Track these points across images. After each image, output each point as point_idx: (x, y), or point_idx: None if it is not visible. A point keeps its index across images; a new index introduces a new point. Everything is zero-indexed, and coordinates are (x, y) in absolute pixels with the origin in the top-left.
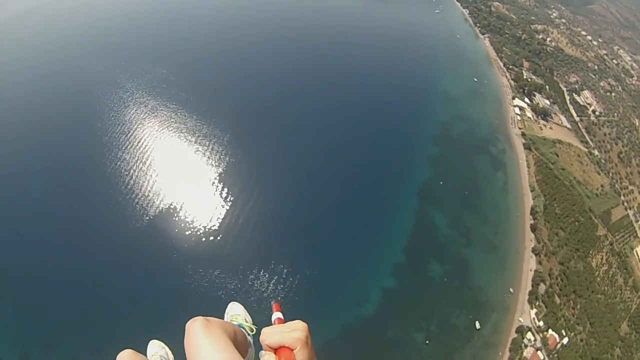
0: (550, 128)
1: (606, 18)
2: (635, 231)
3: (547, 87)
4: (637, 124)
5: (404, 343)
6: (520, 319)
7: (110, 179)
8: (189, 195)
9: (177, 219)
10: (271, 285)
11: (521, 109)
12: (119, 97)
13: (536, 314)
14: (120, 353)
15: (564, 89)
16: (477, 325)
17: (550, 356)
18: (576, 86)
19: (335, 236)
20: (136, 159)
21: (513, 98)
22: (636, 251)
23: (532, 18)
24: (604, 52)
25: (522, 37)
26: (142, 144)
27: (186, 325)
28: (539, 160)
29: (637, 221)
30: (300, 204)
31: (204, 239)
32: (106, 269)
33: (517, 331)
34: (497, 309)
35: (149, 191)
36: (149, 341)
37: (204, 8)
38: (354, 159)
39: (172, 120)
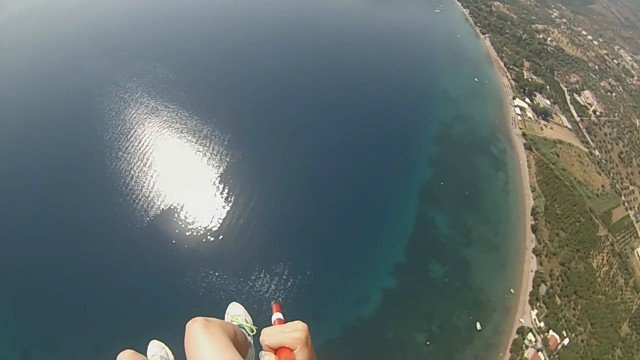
0: (551, 128)
1: (607, 18)
2: (636, 231)
3: (547, 87)
4: (637, 124)
5: (404, 343)
6: (521, 319)
7: (110, 179)
8: (189, 196)
9: (177, 219)
10: (271, 285)
11: (522, 109)
12: (119, 97)
13: (537, 314)
14: (121, 353)
15: (565, 88)
16: (478, 326)
17: (551, 357)
18: (577, 86)
19: (336, 236)
20: (136, 159)
21: (514, 98)
22: (637, 252)
23: (533, 18)
24: (605, 52)
25: (523, 37)
26: (143, 144)
27: (186, 326)
28: (540, 161)
29: (637, 221)
30: (301, 204)
31: (204, 240)
32: (106, 269)
33: (518, 332)
34: (497, 310)
35: (150, 191)
36: (149, 341)
37: (204, 8)
38: (354, 159)
39: (172, 120)
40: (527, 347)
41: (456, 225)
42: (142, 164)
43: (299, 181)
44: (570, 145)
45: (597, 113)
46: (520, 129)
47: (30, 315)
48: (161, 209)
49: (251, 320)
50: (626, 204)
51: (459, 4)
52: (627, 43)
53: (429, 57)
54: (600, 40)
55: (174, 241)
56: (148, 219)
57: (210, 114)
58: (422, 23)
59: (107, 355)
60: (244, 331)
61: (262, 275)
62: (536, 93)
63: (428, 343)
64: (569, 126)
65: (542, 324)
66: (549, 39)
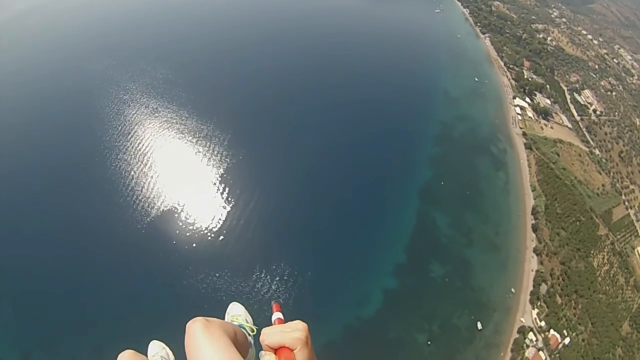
0: (551, 127)
1: (607, 17)
2: (637, 230)
3: (547, 86)
4: (637, 123)
5: (405, 344)
6: (522, 319)
7: (110, 179)
8: (189, 196)
9: (178, 219)
10: (272, 285)
11: (522, 108)
12: (119, 97)
13: (538, 314)
14: (121, 353)
15: (565, 88)
16: (479, 325)
17: (552, 356)
18: (577, 85)
19: (336, 236)
20: (137, 159)
21: (514, 97)
22: (637, 250)
23: (533, 17)
24: (605, 51)
25: (523, 37)
26: (143, 144)
27: (186, 326)
28: (540, 160)
29: (638, 220)
30: (301, 204)
31: (205, 240)
32: (106, 269)
33: (518, 331)
34: (498, 310)
35: (150, 192)
36: (149, 341)
37: (204, 8)
38: (355, 159)
39: (172, 120)
40: (528, 346)
41: (457, 225)
42: (142, 164)
43: (299, 181)
44: (570, 145)
45: (597, 112)
46: (521, 128)
47: (30, 315)
48: (161, 209)
49: (251, 320)
50: (626, 203)
51: (459, 3)
52: (627, 42)
53: (429, 56)
54: (600, 39)
55: (174, 241)
56: (148, 219)
57: (210, 114)
58: (422, 23)
59: (108, 355)
60: (244, 331)
61: (262, 276)
62: (536, 92)
63: (429, 343)
64: (569, 125)
65: (542, 323)
66: (549, 38)
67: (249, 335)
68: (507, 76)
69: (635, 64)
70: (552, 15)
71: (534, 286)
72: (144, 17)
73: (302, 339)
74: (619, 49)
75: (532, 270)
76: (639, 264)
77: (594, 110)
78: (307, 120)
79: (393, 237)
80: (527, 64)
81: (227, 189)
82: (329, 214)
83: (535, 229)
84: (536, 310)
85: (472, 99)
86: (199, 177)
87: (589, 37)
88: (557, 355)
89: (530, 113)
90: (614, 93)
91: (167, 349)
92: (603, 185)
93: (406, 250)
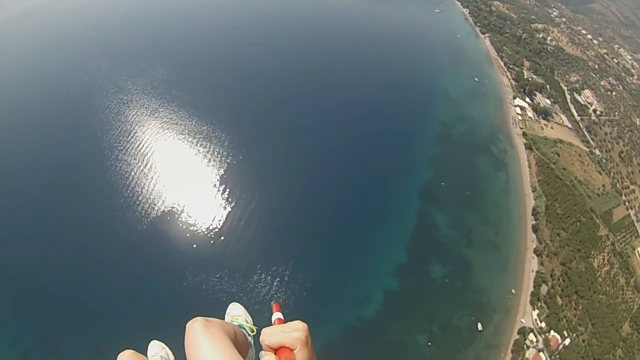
0: (552, 128)
1: (606, 17)
2: (637, 231)
3: (547, 86)
4: (638, 123)
5: (405, 345)
6: (522, 320)
7: (110, 179)
8: (190, 197)
9: (178, 220)
10: (272, 286)
11: (522, 108)
12: (119, 97)
13: (538, 315)
14: (121, 353)
15: (565, 88)
16: (479, 326)
17: (552, 357)
18: (577, 85)
19: (336, 236)
20: (137, 159)
21: (514, 98)
22: (638, 251)
23: (533, 17)
24: (605, 51)
25: (523, 37)
26: (143, 144)
27: (186, 326)
28: (540, 160)
29: (638, 221)
30: (302, 204)
31: (205, 240)
32: (106, 269)
33: (519, 332)
34: (499, 310)
35: (150, 192)
36: (149, 341)
37: (203, 8)
38: (355, 159)
39: (172, 121)
40: (528, 347)
41: (457, 225)
42: (142, 165)
43: (299, 182)
44: (570, 145)
45: (598, 112)
46: (521, 128)
47: (30, 315)
48: (162, 209)
49: (251, 321)
50: (627, 203)
51: (459, 3)
52: (626, 42)
53: (429, 56)
54: (600, 39)
55: (174, 242)
56: (148, 219)
57: (211, 114)
58: (422, 23)
59: (108, 355)
60: (244, 331)
61: (262, 276)
62: (536, 92)
63: (429, 344)
64: (570, 125)
65: (543, 324)
66: (548, 38)
67: (249, 335)
68: (507, 76)
69: (635, 63)
70: (552, 15)
71: (534, 287)
72: (144, 17)
73: (302, 339)
74: (618, 48)
75: (533, 271)
76: None
77: (594, 110)
78: (307, 121)
79: (393, 237)
80: (527, 63)
81: (227, 189)
82: (329, 215)
83: (535, 229)
84: (536, 311)
85: (472, 99)
86: (199, 177)
87: (589, 36)
88: (558, 356)
89: (530, 113)
90: (614, 93)
91: (167, 349)
92: (603, 186)
93: (406, 250)
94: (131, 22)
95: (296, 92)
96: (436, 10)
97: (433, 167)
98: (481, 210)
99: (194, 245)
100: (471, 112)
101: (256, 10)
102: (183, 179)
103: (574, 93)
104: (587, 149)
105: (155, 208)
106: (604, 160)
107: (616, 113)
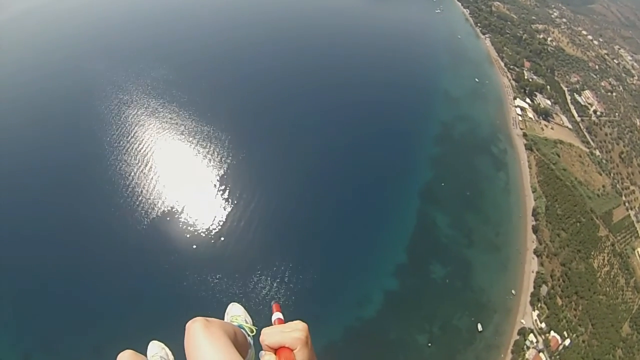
0: (552, 128)
1: (607, 17)
2: (637, 231)
3: (548, 87)
4: (638, 123)
5: (405, 345)
6: (522, 320)
7: (111, 179)
8: (190, 197)
9: (178, 220)
10: (272, 286)
11: (522, 109)
12: (119, 97)
13: (538, 315)
14: (121, 353)
15: (565, 89)
16: (479, 327)
17: (552, 358)
18: (577, 86)
19: (336, 237)
20: (137, 160)
21: (514, 98)
22: (638, 252)
23: (533, 18)
24: (605, 51)
25: (523, 37)
26: (143, 145)
27: (186, 326)
28: (541, 161)
29: (638, 221)
30: (302, 204)
31: (205, 241)
32: (106, 269)
33: (519, 333)
34: (499, 311)
35: (150, 192)
36: (149, 342)
37: (203, 8)
38: (355, 159)
39: (172, 121)
40: (528, 348)
41: (457, 226)
42: (142, 165)
43: (299, 182)
44: (570, 146)
45: (598, 113)
46: (521, 129)
47: (30, 315)
48: (162, 210)
49: (251, 321)
50: (627, 204)
51: (459, 4)
52: (627, 43)
53: (429, 57)
54: (601, 40)
55: (174, 242)
56: (148, 219)
57: (211, 115)
58: (422, 23)
59: (108, 356)
60: (243, 331)
61: (262, 276)
62: (537, 93)
63: (429, 344)
64: (570, 126)
65: (543, 325)
66: (549, 39)
67: (249, 335)
68: (507, 77)
69: (635, 64)
70: (552, 16)
71: (534, 287)
72: (143, 17)
73: (302, 338)
74: (619, 49)
75: (533, 272)
76: None
77: (595, 111)
78: (307, 121)
79: (393, 237)
80: (527, 64)
81: (227, 189)
82: (329, 215)
83: (535, 230)
84: (536, 312)
85: (472, 99)
86: (199, 177)
87: (589, 37)
88: (558, 356)
89: (530, 114)
90: (614, 94)
91: (167, 349)
92: (603, 186)
93: (407, 250)
94: (131, 22)
95: (296, 92)
96: (436, 11)
97: (433, 168)
98: (481, 210)
99: (194, 246)
100: (471, 113)
101: (256, 10)
102: (183, 179)
103: (574, 94)
104: (588, 150)
105: (156, 208)
106: (604, 161)
107: (616, 114)
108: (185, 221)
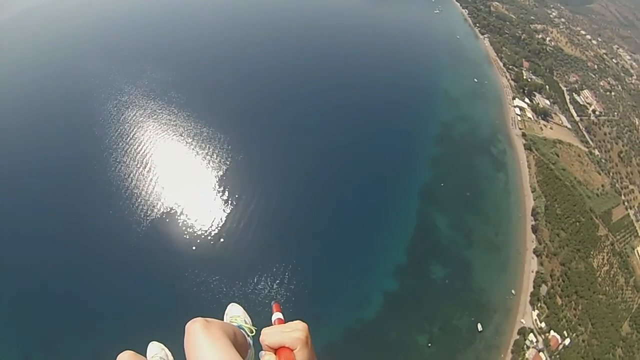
0: (551, 128)
1: (605, 17)
2: (636, 231)
3: (547, 87)
4: (637, 123)
5: (406, 345)
6: (522, 320)
7: (111, 180)
8: (189, 198)
9: (177, 221)
10: (272, 286)
11: (521, 109)
12: (119, 98)
13: (538, 315)
14: (120, 354)
15: (564, 88)
16: (479, 327)
17: (552, 357)
18: (576, 86)
19: (336, 237)
20: (136, 161)
21: (513, 98)
22: (637, 251)
23: (532, 17)
24: (604, 51)
25: (522, 37)
26: (143, 145)
27: (186, 327)
28: (540, 161)
29: (637, 221)
30: (301, 205)
31: (205, 241)
32: (106, 269)
33: (519, 333)
34: (499, 311)
35: (150, 193)
36: (148, 342)
37: (203, 8)
38: (355, 159)
39: (172, 121)
40: (528, 347)
41: (457, 226)
42: (142, 166)
43: (299, 182)
44: (570, 145)
45: (597, 112)
46: (520, 129)
47: (30, 315)
48: (161, 210)
49: (250, 321)
50: (626, 203)
51: (458, 4)
52: (625, 42)
53: (428, 57)
54: (599, 39)
55: (174, 243)
56: (148, 220)
57: (210, 115)
58: (421, 23)
59: (107, 356)
60: (243, 332)
61: (262, 277)
62: (535, 93)
63: (429, 345)
64: (569, 126)
65: (543, 325)
66: (547, 38)
67: (248, 336)
68: (506, 77)
69: (634, 63)
70: (551, 16)
71: (534, 287)
72: (144, 17)
73: (302, 338)
74: (617, 48)
75: (532, 272)
76: (639, 264)
77: (593, 111)
78: (307, 121)
79: (393, 238)
80: (526, 64)
81: (227, 190)
82: (329, 215)
83: (535, 230)
84: (536, 312)
85: (471, 99)
86: (198, 178)
87: (588, 37)
88: (558, 356)
89: (529, 114)
90: (613, 93)
91: (166, 350)
92: (602, 186)
93: (406, 251)
94: (131, 22)
95: (296, 92)
96: (435, 11)
97: (433, 168)
98: (481, 210)
99: (194, 247)
100: (471, 113)
101: (256, 10)
102: (183, 180)
103: (573, 93)
104: (587, 149)
105: (155, 209)
106: (603, 161)
107: (615, 113)
108: (185, 222)
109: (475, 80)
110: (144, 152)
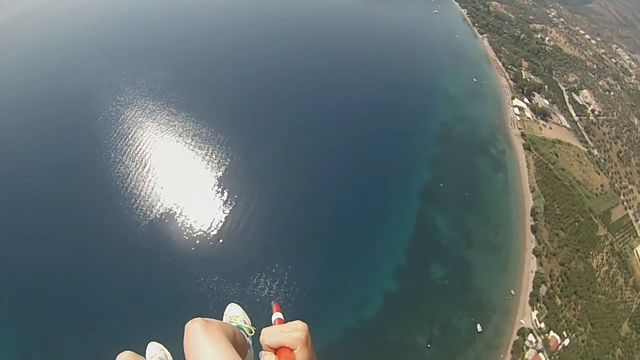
0: (550, 128)
1: (604, 17)
2: (635, 231)
3: (546, 86)
4: (636, 122)
5: (405, 346)
6: (522, 320)
7: (111, 180)
8: (189, 198)
9: (177, 221)
10: (272, 286)
11: (520, 109)
12: (119, 98)
13: (537, 315)
14: (120, 354)
15: (563, 88)
16: (479, 327)
17: (552, 358)
18: (575, 85)
19: (336, 237)
20: (136, 161)
21: (512, 98)
22: (636, 251)
23: (531, 17)
24: (603, 51)
25: (521, 37)
26: (142, 146)
27: (185, 327)
28: (539, 161)
29: (637, 220)
30: (301, 205)
31: (204, 242)
32: (106, 269)
33: (518, 333)
34: (498, 311)
35: (150, 193)
36: (148, 342)
37: (203, 8)
38: (355, 159)
39: (171, 122)
40: (527, 348)
41: (456, 226)
42: (141, 166)
43: (299, 182)
44: (569, 145)
45: (596, 112)
46: (519, 129)
47: (30, 315)
48: (161, 211)
49: (249, 321)
50: (625, 203)
51: (457, 4)
52: (624, 42)
53: (427, 57)
54: (598, 39)
55: (173, 243)
56: (148, 220)
57: (210, 115)
58: (420, 23)
59: (107, 356)
60: (242, 332)
61: (262, 277)
62: (535, 93)
63: (429, 345)
64: (568, 126)
65: (542, 325)
66: (546, 38)
67: (247, 336)
68: (505, 76)
69: (633, 63)
70: (550, 15)
71: (533, 287)
72: (144, 17)
73: (302, 338)
74: (616, 48)
75: (532, 272)
76: (638, 264)
77: (592, 110)
78: (307, 121)
79: (393, 238)
80: (525, 64)
81: (226, 190)
82: (329, 215)
83: (534, 230)
84: (536, 312)
85: (470, 99)
86: (198, 178)
87: (587, 36)
88: (557, 356)
89: (528, 113)
90: (612, 93)
91: (166, 350)
92: (602, 186)
93: (406, 251)
94: (131, 22)
95: (296, 92)
96: (434, 11)
97: (432, 168)
98: (480, 211)
99: (193, 247)
100: (470, 113)
101: (256, 10)
102: (182, 180)
103: (572, 93)
104: (586, 149)
105: (155, 209)
106: (602, 161)
107: (614, 113)
108: (185, 222)
109: (475, 80)
110: (143, 152)
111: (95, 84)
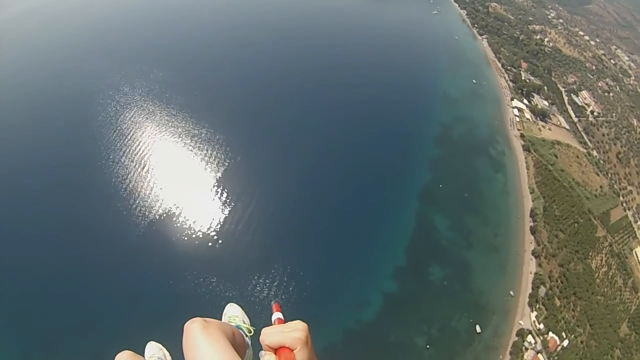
0: (549, 129)
1: (603, 18)
2: (635, 232)
3: (545, 87)
4: (635, 124)
5: (404, 347)
6: (521, 321)
7: (111, 180)
8: (189, 198)
9: (176, 222)
10: (272, 287)
11: (520, 110)
12: (118, 98)
13: (536, 316)
14: (119, 354)
15: (562, 89)
16: (478, 328)
17: (551, 359)
18: (574, 87)
19: (336, 238)
20: (136, 161)
21: (512, 99)
22: (635, 252)
23: (530, 18)
24: (602, 52)
25: (520, 38)
26: (142, 146)
27: (184, 327)
28: (538, 162)
29: (636, 222)
30: (301, 206)
31: (204, 242)
32: (106, 269)
33: (517, 334)
34: (497, 312)
35: (149, 193)
36: (147, 342)
37: (203, 8)
38: (355, 160)
39: (171, 122)
40: (526, 349)
41: (456, 227)
42: (141, 166)
43: (299, 182)
44: (568, 146)
45: (595, 113)
46: (519, 130)
47: (30, 315)
48: (160, 211)
49: (249, 321)
50: (624, 204)
51: (456, 5)
52: (623, 43)
53: (427, 58)
54: (597, 40)
55: (173, 243)
56: (148, 220)
57: (210, 115)
58: (419, 24)
59: (106, 356)
60: (241, 332)
61: (262, 277)
62: (534, 94)
63: (428, 346)
64: (567, 127)
65: (541, 326)
66: (546, 39)
67: (247, 335)
68: (504, 78)
69: (632, 64)
70: (549, 17)
71: (532, 289)
72: (144, 17)
73: (302, 338)
74: (615, 49)
75: (531, 273)
76: (637, 265)
77: (592, 112)
78: (307, 121)
79: (392, 238)
80: (524, 65)
81: (226, 191)
82: (328, 216)
83: (533, 231)
84: (535, 313)
85: (470, 100)
86: (198, 179)
87: (586, 38)
88: (556, 357)
89: (528, 115)
90: (611, 94)
91: (165, 350)
92: (601, 187)
93: (405, 252)
94: (131, 22)
95: (296, 92)
96: (434, 12)
97: (432, 168)
98: (479, 212)
99: (193, 247)
100: (469, 114)
101: (256, 10)
102: (182, 181)
103: (572, 94)
104: (585, 150)
105: (154, 210)
106: (601, 162)
107: (613, 114)
108: (184, 223)
109: (474, 81)
110: (143, 152)
111: (95, 84)
